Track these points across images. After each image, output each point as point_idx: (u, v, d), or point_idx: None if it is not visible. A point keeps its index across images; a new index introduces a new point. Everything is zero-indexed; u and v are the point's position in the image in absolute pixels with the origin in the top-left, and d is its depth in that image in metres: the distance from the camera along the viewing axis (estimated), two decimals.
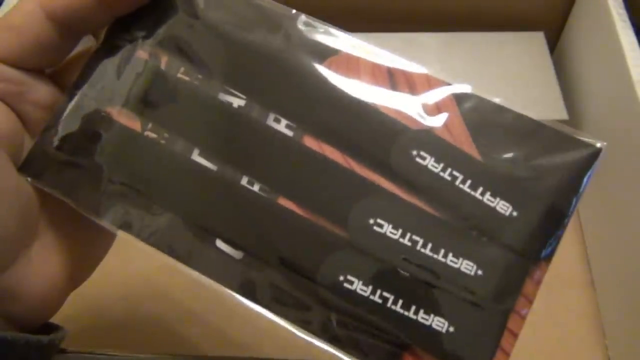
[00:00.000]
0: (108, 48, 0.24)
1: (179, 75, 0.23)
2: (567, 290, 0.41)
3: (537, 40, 0.48)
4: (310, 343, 0.39)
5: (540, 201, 0.21)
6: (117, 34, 0.24)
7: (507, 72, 0.46)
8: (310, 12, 0.54)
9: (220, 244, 0.22)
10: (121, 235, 0.22)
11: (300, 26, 0.23)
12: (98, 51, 0.24)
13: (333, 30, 0.23)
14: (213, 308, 0.40)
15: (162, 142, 0.22)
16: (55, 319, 0.39)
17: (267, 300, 0.22)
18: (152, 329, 0.39)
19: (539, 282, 0.21)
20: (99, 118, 0.23)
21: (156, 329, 0.39)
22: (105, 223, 0.22)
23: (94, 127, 0.23)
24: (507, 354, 0.20)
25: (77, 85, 0.23)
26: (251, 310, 0.40)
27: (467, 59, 0.47)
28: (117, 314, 0.40)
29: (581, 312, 0.40)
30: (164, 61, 0.23)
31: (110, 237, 0.27)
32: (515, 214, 0.21)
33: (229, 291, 0.21)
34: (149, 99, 0.23)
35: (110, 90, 0.23)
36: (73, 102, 0.23)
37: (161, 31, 0.24)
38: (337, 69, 0.22)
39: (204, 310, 0.40)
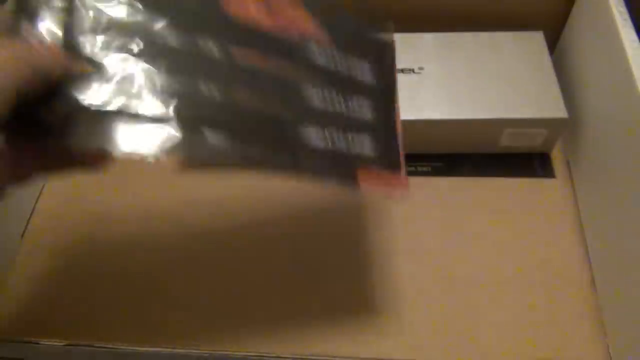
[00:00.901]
0: None
1: None
2: (567, 290, 0.41)
3: (536, 39, 0.48)
4: (308, 338, 0.39)
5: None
6: None
7: (507, 71, 0.46)
8: None
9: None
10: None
11: None
12: None
13: None
14: (212, 305, 0.40)
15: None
16: (57, 315, 0.39)
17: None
18: (152, 325, 0.39)
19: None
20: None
21: (156, 324, 0.39)
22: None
23: None
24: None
25: None
26: (249, 307, 0.40)
27: (467, 59, 0.47)
28: (117, 310, 0.40)
29: (581, 312, 0.40)
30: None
31: None
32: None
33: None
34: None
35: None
36: None
37: None
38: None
39: (203, 307, 0.40)
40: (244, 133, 0.29)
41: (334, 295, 0.41)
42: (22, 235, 0.44)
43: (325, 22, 0.34)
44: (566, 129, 0.47)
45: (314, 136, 0.31)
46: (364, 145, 0.33)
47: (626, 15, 0.39)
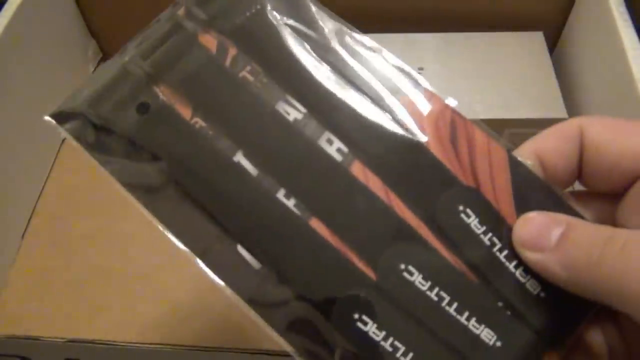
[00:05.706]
0: (174, 24, 0.22)
1: (243, 73, 0.22)
2: None
3: (536, 40, 0.48)
4: None
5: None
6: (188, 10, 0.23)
7: (507, 72, 0.46)
8: None
9: (241, 249, 0.21)
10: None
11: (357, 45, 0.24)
12: (161, 22, 0.22)
13: (406, 67, 0.24)
14: (212, 304, 0.40)
15: (209, 133, 0.22)
16: (58, 313, 0.39)
17: (276, 320, 0.21)
18: (152, 324, 0.39)
19: None
20: (146, 90, 0.22)
21: (156, 324, 0.39)
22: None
23: (137, 96, 0.22)
24: None
25: (128, 49, 0.22)
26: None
27: (467, 59, 0.47)
28: (117, 310, 0.40)
29: None
30: (230, 54, 0.22)
31: None
32: (542, 294, 0.21)
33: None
34: (206, 91, 0.22)
35: (166, 69, 0.22)
36: (121, 61, 0.22)
37: (238, 22, 0.23)
38: (405, 109, 0.23)
39: (203, 306, 0.40)
40: None
41: None
42: (22, 236, 0.44)
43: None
44: None
45: (370, 323, 0.21)
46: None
47: (626, 16, 0.40)
